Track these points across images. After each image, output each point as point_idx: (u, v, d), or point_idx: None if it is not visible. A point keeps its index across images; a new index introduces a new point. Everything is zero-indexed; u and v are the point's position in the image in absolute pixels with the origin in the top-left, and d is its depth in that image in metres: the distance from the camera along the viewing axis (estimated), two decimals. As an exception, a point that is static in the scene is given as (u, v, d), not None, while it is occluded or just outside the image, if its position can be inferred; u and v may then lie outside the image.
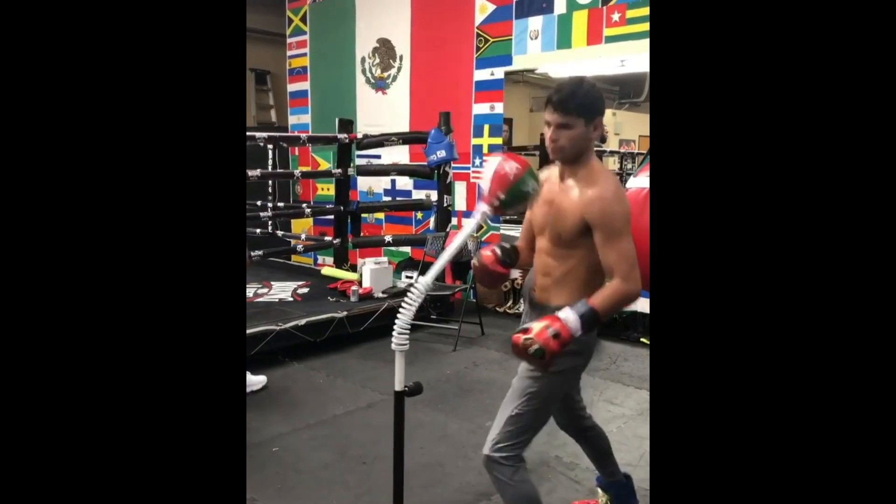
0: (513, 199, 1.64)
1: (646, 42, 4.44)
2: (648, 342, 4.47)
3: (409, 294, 1.69)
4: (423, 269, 4.90)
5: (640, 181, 2.71)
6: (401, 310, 1.70)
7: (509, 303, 5.28)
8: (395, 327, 1.75)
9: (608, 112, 12.01)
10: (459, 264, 4.90)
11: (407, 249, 5.78)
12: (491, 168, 1.64)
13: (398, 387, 1.79)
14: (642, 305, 4.65)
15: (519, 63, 5.18)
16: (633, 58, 4.71)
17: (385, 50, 6.12)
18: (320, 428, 3.12)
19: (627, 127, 10.55)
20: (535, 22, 5.02)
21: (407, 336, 1.77)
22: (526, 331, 1.61)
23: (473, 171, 5.45)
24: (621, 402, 3.49)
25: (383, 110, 6.10)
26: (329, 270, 5.44)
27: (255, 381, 3.51)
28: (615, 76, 11.02)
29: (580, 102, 1.67)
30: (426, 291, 1.69)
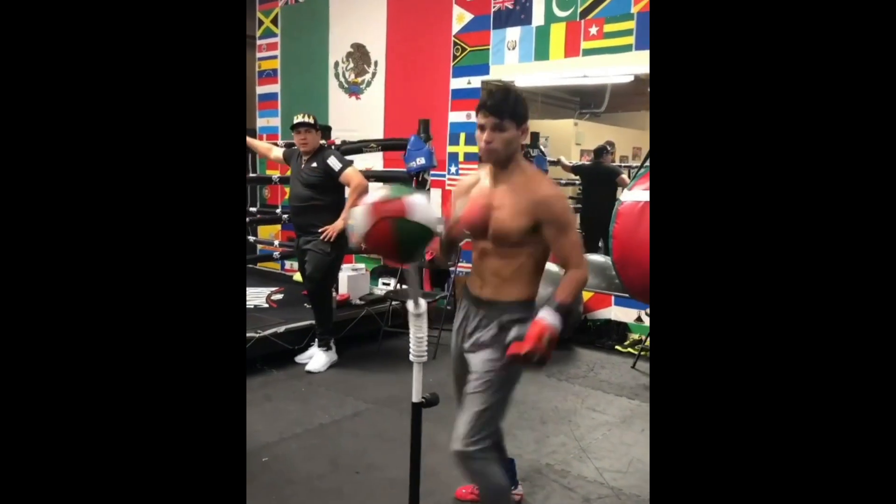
0: (413, 252, 1.66)
1: (623, 55, 4.56)
2: (623, 349, 4.56)
3: (415, 324, 1.79)
4: (402, 276, 4.89)
5: (636, 195, 2.79)
6: (416, 331, 1.75)
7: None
8: (411, 339, 1.77)
9: (570, 122, 12.27)
10: (438, 272, 4.91)
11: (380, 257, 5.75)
12: (361, 224, 1.61)
13: (416, 398, 1.79)
14: (616, 314, 4.75)
15: (496, 73, 5.23)
16: (609, 70, 4.81)
17: (359, 55, 6.10)
18: (308, 437, 3.09)
19: (589, 137, 10.76)
20: (513, 33, 5.09)
21: (426, 348, 1.78)
22: (520, 342, 1.74)
23: (449, 179, 5.48)
24: (604, 410, 3.55)
25: (357, 115, 6.07)
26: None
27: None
28: (576, 87, 11.23)
29: (512, 107, 1.81)
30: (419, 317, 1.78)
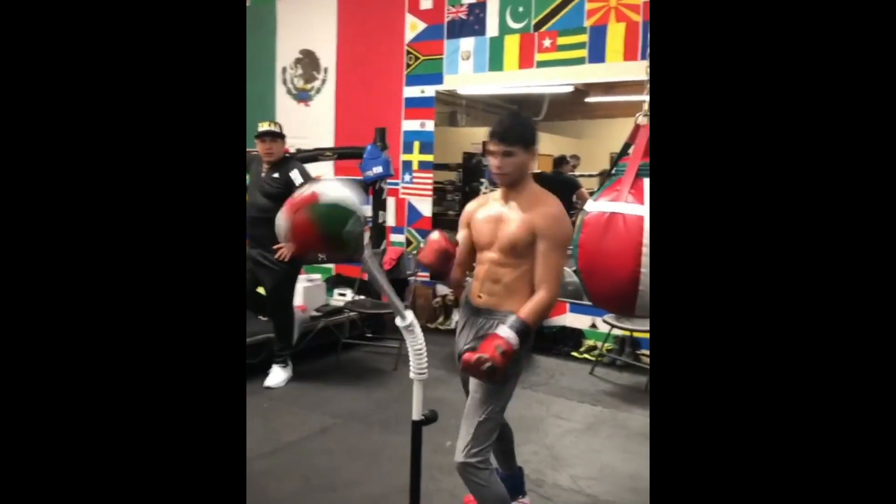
0: (340, 237, 1.58)
1: (576, 68, 4.66)
2: (579, 356, 4.65)
3: (409, 337, 1.75)
4: (362, 286, 4.84)
5: (602, 205, 2.84)
6: (414, 345, 1.73)
7: (440, 319, 5.31)
8: (410, 355, 1.75)
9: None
10: (397, 281, 4.87)
11: (330, 266, 5.67)
12: (282, 226, 1.58)
13: (416, 416, 1.77)
14: (571, 320, 4.84)
15: (450, 83, 5.26)
16: (561, 81, 4.91)
17: (308, 61, 6.00)
18: (277, 456, 3.00)
19: (532, 145, 10.95)
20: (467, 43, 5.12)
21: (426, 363, 1.77)
22: (474, 351, 1.84)
23: (403, 187, 5.45)
24: (569, 417, 3.60)
25: (307, 123, 5.96)
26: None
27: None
28: (514, 96, 11.43)
29: (520, 133, 1.94)
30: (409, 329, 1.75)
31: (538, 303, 1.91)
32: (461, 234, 2.15)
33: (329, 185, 1.59)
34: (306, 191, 1.58)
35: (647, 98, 2.96)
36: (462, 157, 6.28)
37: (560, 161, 6.48)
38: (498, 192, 2.08)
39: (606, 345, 4.50)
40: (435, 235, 2.07)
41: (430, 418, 1.78)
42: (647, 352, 4.48)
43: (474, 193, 6.18)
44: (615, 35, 4.49)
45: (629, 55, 4.46)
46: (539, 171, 7.38)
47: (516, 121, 2.00)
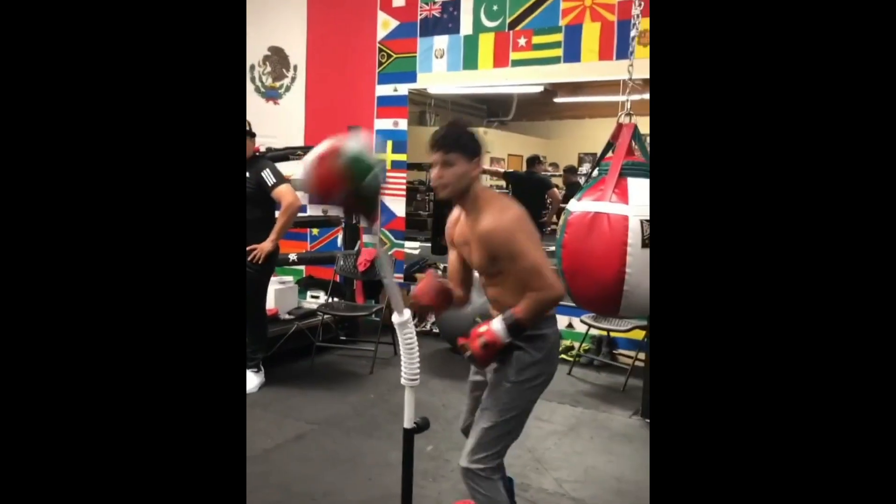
0: (361, 189, 1.53)
1: (552, 67, 4.64)
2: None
3: (404, 336, 1.73)
4: (335, 288, 4.73)
5: (585, 205, 2.81)
6: (406, 345, 1.67)
7: (415, 320, 5.23)
8: (402, 357, 1.69)
9: (479, 130, 12.45)
10: (371, 283, 4.79)
11: (301, 268, 5.55)
12: (306, 172, 1.54)
13: (408, 424, 1.70)
14: (548, 321, 4.81)
15: (424, 81, 5.19)
16: (536, 80, 4.89)
17: (277, 59, 5.87)
18: (254, 464, 2.89)
19: (498, 145, 10.96)
20: (441, 41, 5.06)
21: (418, 367, 1.70)
22: (468, 336, 1.85)
23: (376, 188, 5.36)
24: (549, 419, 3.57)
25: (276, 121, 5.82)
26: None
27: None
28: (483, 95, 11.42)
29: (458, 141, 1.84)
30: (406, 326, 1.72)
31: (530, 299, 1.84)
32: (451, 254, 2.10)
33: (353, 138, 1.54)
34: (331, 142, 1.52)
35: (628, 98, 2.96)
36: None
37: (533, 161, 6.46)
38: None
39: (584, 345, 4.49)
40: (426, 278, 2.04)
41: (422, 426, 1.72)
42: (625, 352, 4.48)
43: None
44: (590, 35, 4.48)
45: (604, 55, 4.45)
46: (512, 170, 7.37)
47: (454, 129, 1.90)
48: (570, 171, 6.84)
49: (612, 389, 4.07)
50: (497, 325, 1.81)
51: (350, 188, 1.49)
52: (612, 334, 4.43)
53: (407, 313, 1.65)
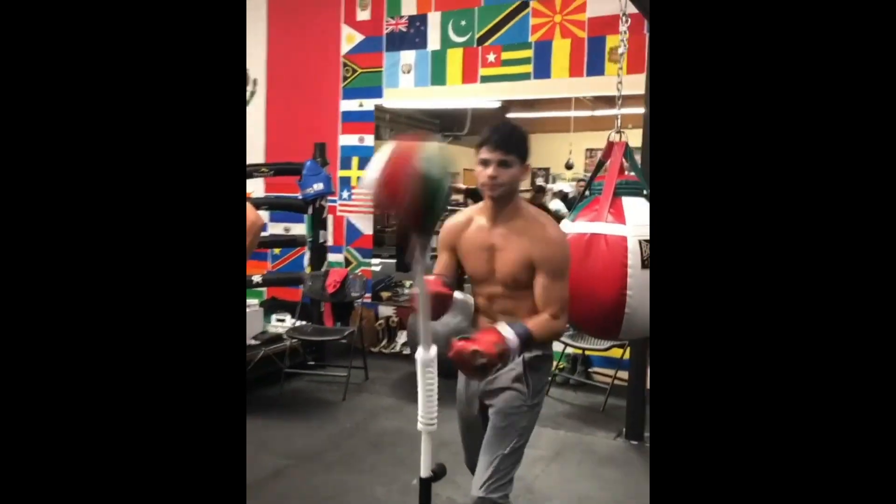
0: (433, 207, 1.39)
1: (522, 83, 4.59)
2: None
3: (425, 375, 1.55)
4: (303, 311, 4.54)
5: (581, 226, 2.74)
6: (426, 386, 1.54)
7: (384, 342, 5.08)
8: (420, 398, 1.56)
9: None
10: (340, 305, 4.62)
11: (262, 290, 5.32)
12: (375, 168, 1.36)
13: (424, 473, 1.57)
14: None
15: (391, 96, 5.07)
16: (507, 96, 4.83)
17: (235, 72, 5.65)
18: (230, 507, 2.69)
19: (459, 160, 10.91)
20: (408, 56, 4.96)
21: (436, 410, 1.57)
22: (468, 340, 1.64)
23: (341, 205, 5.21)
24: (533, 444, 3.43)
25: (234, 137, 5.60)
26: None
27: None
28: (436, 110, 11.40)
29: (519, 144, 1.77)
30: (431, 364, 1.55)
31: (546, 321, 1.75)
32: (442, 259, 1.95)
33: (432, 145, 1.39)
34: (408, 145, 1.36)
35: (618, 113, 2.91)
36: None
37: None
38: (479, 211, 1.88)
39: (559, 363, 4.42)
40: (430, 279, 1.85)
41: (439, 474, 1.58)
42: (600, 370, 4.43)
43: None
44: (560, 51, 4.46)
45: (575, 71, 4.43)
46: (473, 186, 7.30)
47: (514, 129, 1.80)
48: (540, 190, 6.80)
49: (591, 410, 4.01)
50: (507, 331, 1.66)
51: (422, 197, 1.33)
52: (588, 352, 4.38)
53: (433, 350, 1.52)
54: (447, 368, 1.64)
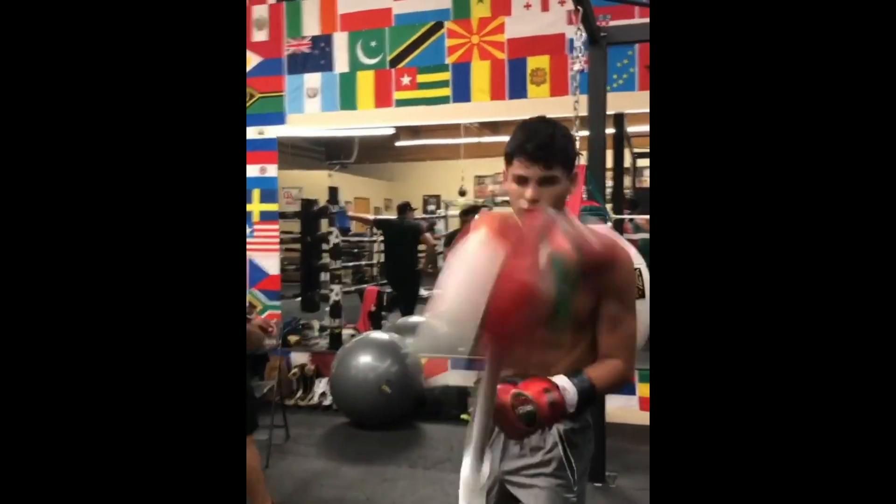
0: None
1: (441, 108, 4.35)
2: (469, 418, 4.23)
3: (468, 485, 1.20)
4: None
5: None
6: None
7: (299, 393, 4.58)
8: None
9: (324, 173, 11.88)
10: (258, 358, 4.08)
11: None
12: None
13: None
14: (454, 378, 4.41)
15: (295, 122, 4.65)
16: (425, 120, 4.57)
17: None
18: None
19: (345, 188, 10.49)
20: (313, 79, 4.58)
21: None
22: (515, 385, 1.22)
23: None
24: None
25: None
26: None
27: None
28: (321, 137, 10.97)
29: (565, 151, 1.34)
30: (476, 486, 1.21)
31: (615, 368, 1.34)
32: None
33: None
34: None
35: (577, 135, 2.72)
36: (301, 204, 5.61)
37: (404, 207, 6.12)
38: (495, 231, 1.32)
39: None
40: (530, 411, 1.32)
41: None
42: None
43: (318, 244, 5.56)
44: (480, 73, 4.27)
45: (496, 94, 4.25)
46: (384, 217, 6.96)
47: (555, 131, 1.33)
48: (472, 211, 6.49)
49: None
50: (564, 381, 1.25)
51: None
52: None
53: (486, 469, 1.15)
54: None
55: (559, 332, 1.35)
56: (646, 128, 7.39)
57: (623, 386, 1.39)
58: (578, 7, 2.56)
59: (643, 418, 3.69)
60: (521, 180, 1.32)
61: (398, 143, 11.68)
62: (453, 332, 1.12)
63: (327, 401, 4.45)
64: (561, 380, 1.25)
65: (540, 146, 1.30)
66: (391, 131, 9.43)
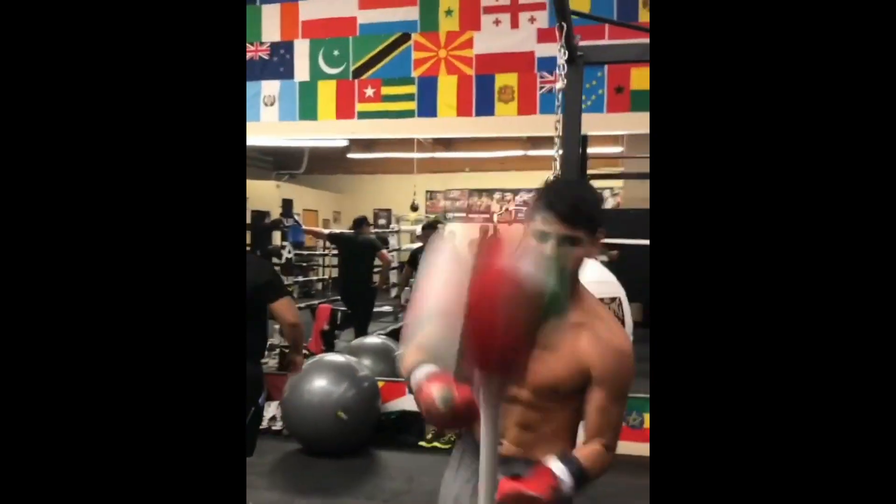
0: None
1: (406, 122, 4.22)
2: (428, 445, 4.08)
3: None
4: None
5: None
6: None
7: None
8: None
9: (272, 183, 11.54)
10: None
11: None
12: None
13: None
14: (411, 403, 4.25)
15: (252, 131, 4.41)
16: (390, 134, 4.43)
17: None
18: None
19: (295, 200, 10.21)
20: (271, 87, 4.38)
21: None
22: (517, 479, 1.22)
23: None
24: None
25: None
26: None
27: None
28: (269, 147, 10.68)
29: (589, 213, 1.32)
30: None
31: (599, 454, 1.32)
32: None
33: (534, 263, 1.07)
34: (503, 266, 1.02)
35: (557, 153, 2.62)
36: (251, 215, 5.36)
37: (360, 222, 5.93)
38: None
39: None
40: (447, 393, 1.18)
41: None
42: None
43: (269, 259, 5.32)
44: (447, 88, 4.16)
45: (463, 110, 4.15)
46: (339, 231, 6.73)
47: (585, 193, 1.36)
48: (431, 227, 6.29)
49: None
50: (564, 474, 1.23)
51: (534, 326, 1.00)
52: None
53: None
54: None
55: (546, 401, 1.36)
56: (605, 149, 7.44)
57: (607, 470, 1.38)
58: (562, 23, 2.48)
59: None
60: (542, 236, 1.29)
61: (350, 155, 11.48)
62: (434, 362, 1.16)
63: (277, 425, 4.21)
64: (559, 470, 1.24)
65: (567, 207, 1.29)
66: (344, 143, 9.26)
